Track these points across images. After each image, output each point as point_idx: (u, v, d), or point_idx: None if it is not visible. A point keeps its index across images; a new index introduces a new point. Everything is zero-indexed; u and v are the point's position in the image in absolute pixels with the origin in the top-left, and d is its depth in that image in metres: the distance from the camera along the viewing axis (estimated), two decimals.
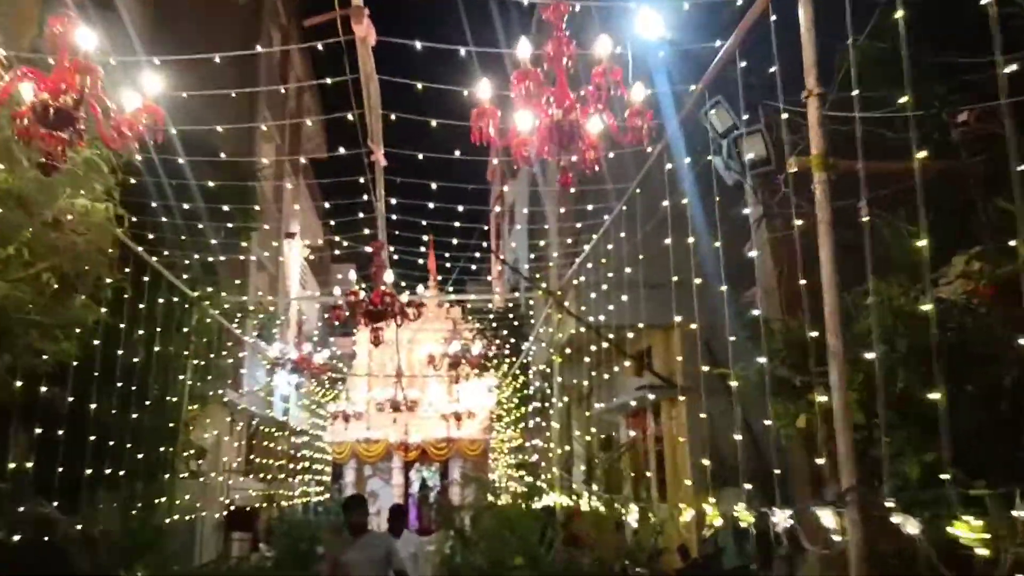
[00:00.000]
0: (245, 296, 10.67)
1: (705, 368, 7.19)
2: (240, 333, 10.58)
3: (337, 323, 5.11)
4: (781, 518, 4.30)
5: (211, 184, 8.29)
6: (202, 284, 8.92)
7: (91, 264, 6.19)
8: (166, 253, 7.97)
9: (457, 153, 7.13)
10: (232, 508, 15.14)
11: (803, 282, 5.13)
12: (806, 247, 5.46)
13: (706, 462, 6.71)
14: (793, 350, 5.72)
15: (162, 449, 8.22)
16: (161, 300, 7.93)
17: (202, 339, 9.26)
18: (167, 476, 8.29)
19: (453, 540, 16.63)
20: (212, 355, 9.64)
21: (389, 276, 5.64)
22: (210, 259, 8.94)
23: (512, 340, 15.97)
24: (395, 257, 8.38)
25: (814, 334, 4.54)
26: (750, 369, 5.91)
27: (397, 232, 7.81)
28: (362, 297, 5.52)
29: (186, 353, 8.65)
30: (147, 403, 7.59)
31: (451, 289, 16.50)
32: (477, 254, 11.64)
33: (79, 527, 6.38)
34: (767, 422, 5.69)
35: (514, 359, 15.86)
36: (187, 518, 11.07)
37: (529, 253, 13.26)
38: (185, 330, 8.64)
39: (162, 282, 7.87)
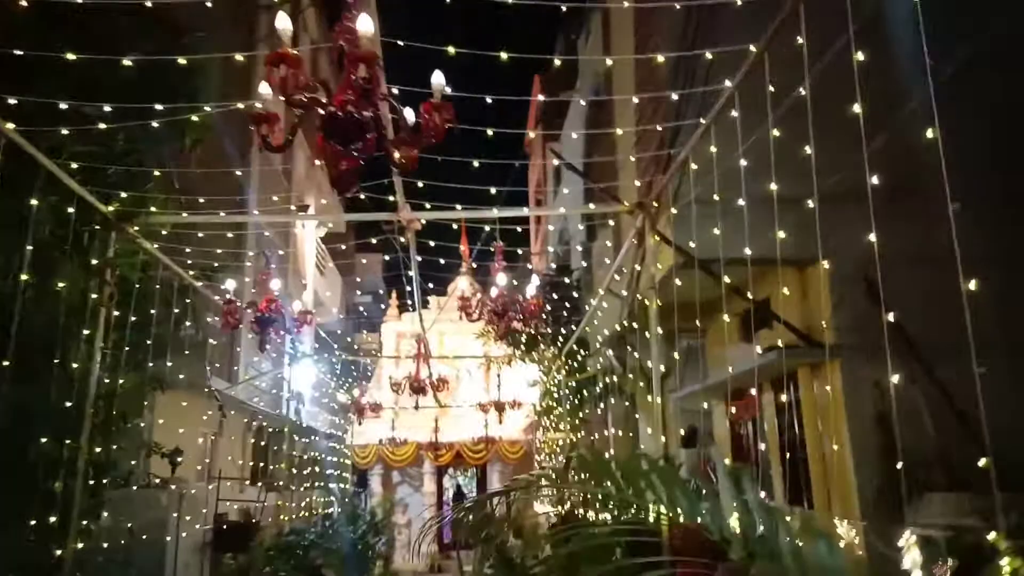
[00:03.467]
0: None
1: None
2: (201, 284, 7.57)
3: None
4: None
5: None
6: (124, 201, 5.96)
7: None
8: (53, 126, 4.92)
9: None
10: (224, 524, 12.27)
11: None
12: None
13: None
14: None
15: (44, 441, 5.26)
16: (37, 203, 5.01)
17: (132, 281, 6.29)
18: (58, 484, 5.30)
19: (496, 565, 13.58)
20: (152, 310, 6.67)
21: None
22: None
23: (563, 313, 12.80)
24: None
25: None
26: None
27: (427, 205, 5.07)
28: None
29: (95, 297, 5.71)
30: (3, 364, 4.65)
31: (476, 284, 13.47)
32: (522, 214, 8.52)
33: None
34: None
35: (567, 331, 12.68)
36: (142, 537, 8.26)
37: (585, 176, 10.02)
38: (93, 262, 5.73)
39: (40, 173, 4.95)
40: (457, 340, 19.48)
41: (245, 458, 14.49)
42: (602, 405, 11.35)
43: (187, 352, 8.69)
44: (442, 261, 8.09)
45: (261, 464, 15.02)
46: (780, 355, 7.06)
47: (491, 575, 12.69)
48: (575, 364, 12.56)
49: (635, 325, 7.57)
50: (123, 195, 5.73)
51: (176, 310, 7.32)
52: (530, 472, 17.18)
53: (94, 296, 5.72)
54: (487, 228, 6.90)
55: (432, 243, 7.21)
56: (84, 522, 5.74)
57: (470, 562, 18.03)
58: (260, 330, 5.88)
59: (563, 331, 12.94)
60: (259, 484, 14.56)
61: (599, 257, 11.68)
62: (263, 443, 15.30)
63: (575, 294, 13.73)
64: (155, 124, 5.06)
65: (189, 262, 7.14)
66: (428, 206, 6.06)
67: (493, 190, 5.99)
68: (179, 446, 10.99)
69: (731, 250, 7.15)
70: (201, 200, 6.47)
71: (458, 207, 6.11)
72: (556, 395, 13.47)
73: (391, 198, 5.98)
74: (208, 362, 9.73)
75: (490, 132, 4.90)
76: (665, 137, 7.31)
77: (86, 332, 5.64)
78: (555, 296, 12.80)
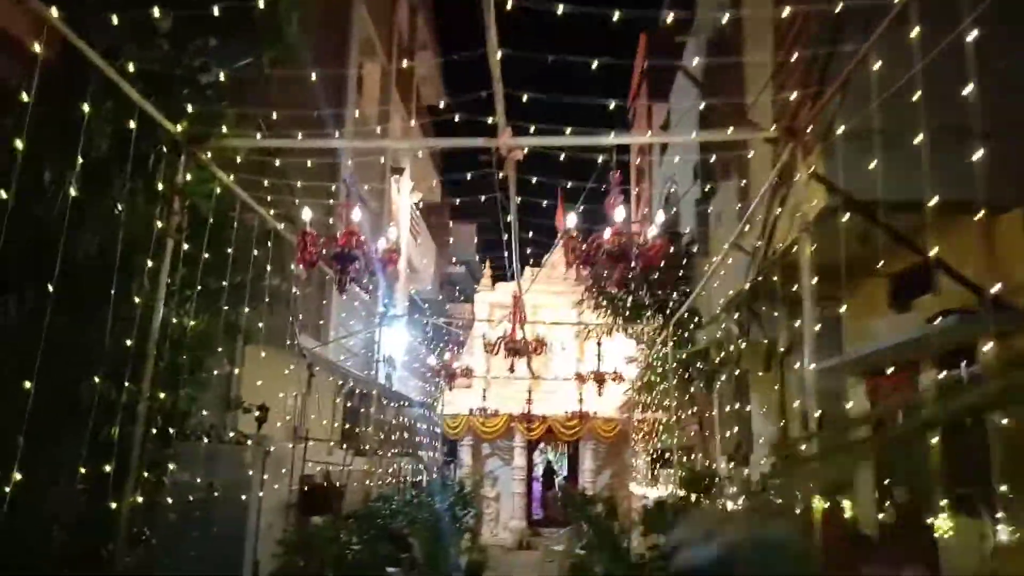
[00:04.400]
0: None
1: None
2: (278, 223, 6.88)
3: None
4: None
5: None
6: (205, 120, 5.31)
7: None
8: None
9: None
10: (308, 486, 11.88)
11: None
12: None
13: None
14: None
15: (98, 381, 4.68)
16: (102, 118, 4.40)
17: (204, 215, 5.68)
18: (115, 431, 4.75)
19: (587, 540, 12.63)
20: (230, 249, 6.07)
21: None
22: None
23: (679, 274, 11.59)
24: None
25: None
26: None
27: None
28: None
29: (160, 226, 5.11)
30: (52, 291, 4.03)
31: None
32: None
33: None
34: None
35: (676, 301, 11.46)
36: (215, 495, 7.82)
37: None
38: (159, 187, 5.12)
39: (93, 79, 4.32)
40: (552, 313, 18.62)
41: (333, 420, 14.14)
42: (720, 381, 10.11)
43: (271, 302, 8.11)
44: (544, 203, 7.14)
45: (349, 427, 14.66)
46: (956, 322, 5.72)
47: (584, 556, 11.84)
48: (684, 335, 11.36)
49: (774, 279, 6.36)
50: (191, 110, 5.08)
51: (256, 252, 6.69)
52: (619, 458, 16.01)
53: (159, 225, 5.12)
54: (600, 158, 5.89)
55: (534, 179, 6.28)
56: (147, 474, 5.20)
57: (560, 540, 17.26)
58: (340, 267, 5.12)
59: (672, 299, 11.75)
60: (346, 447, 14.22)
61: (718, 211, 10.38)
62: (351, 405, 14.93)
63: (685, 261, 12.48)
64: (220, 12, 4.31)
65: (269, 198, 6.49)
66: (532, 129, 5.13)
67: (612, 104, 4.96)
68: (265, 403, 10.62)
69: (900, 190, 5.83)
70: (275, 116, 5.73)
71: (567, 131, 5.14)
72: (661, 370, 12.32)
73: (489, 120, 5.07)
74: (296, 317, 9.17)
75: (613, 15, 3.86)
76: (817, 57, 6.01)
77: (149, 264, 5.05)
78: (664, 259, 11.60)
